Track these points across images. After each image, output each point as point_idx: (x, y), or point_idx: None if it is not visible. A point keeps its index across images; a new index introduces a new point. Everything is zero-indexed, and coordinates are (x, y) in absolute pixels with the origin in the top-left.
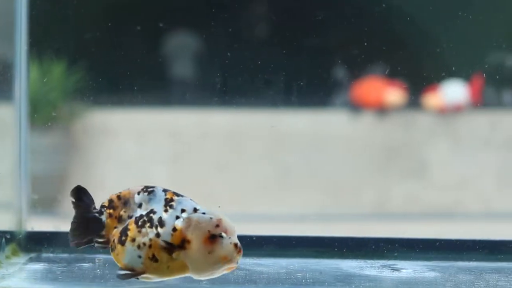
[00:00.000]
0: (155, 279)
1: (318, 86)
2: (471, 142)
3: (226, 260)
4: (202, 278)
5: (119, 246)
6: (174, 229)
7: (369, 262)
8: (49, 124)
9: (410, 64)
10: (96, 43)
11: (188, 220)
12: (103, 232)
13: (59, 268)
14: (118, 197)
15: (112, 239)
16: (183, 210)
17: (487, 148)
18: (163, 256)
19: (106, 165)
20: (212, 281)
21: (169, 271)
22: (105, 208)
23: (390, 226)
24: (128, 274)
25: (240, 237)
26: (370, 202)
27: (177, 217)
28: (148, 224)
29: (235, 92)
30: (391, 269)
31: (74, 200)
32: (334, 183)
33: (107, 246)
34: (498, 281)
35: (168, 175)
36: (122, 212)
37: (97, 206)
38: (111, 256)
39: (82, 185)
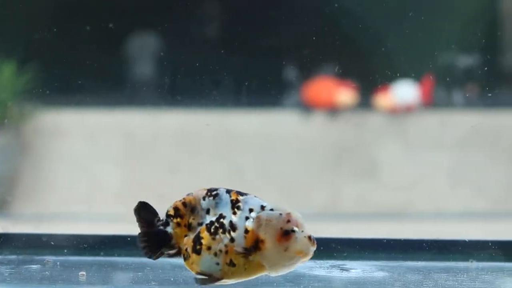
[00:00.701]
0: (231, 282)
1: (269, 86)
2: (422, 142)
3: (302, 254)
4: (279, 274)
5: (194, 255)
6: (246, 231)
7: (319, 262)
8: (4, 122)
9: (361, 64)
10: (47, 43)
11: (258, 219)
12: (172, 243)
13: (7, 270)
14: (184, 204)
15: (184, 248)
16: (251, 210)
17: (438, 148)
18: (240, 260)
19: (57, 166)
20: (160, 282)
21: (247, 272)
22: (171, 218)
23: (342, 226)
24: (206, 278)
25: None
26: (321, 202)
27: (247, 218)
28: (220, 230)
29: (186, 93)
30: (340, 269)
31: (137, 218)
32: (285, 183)
33: (179, 256)
34: (446, 281)
35: (120, 175)
36: (191, 220)
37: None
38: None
39: (144, 200)
